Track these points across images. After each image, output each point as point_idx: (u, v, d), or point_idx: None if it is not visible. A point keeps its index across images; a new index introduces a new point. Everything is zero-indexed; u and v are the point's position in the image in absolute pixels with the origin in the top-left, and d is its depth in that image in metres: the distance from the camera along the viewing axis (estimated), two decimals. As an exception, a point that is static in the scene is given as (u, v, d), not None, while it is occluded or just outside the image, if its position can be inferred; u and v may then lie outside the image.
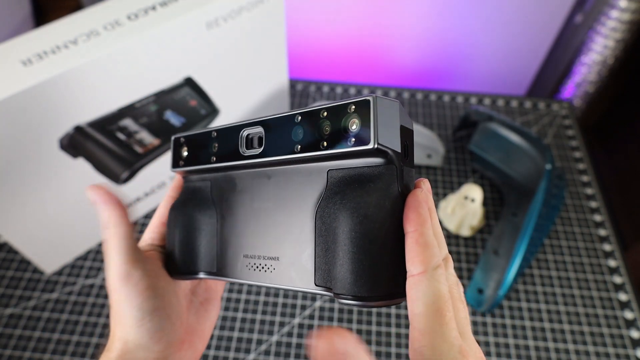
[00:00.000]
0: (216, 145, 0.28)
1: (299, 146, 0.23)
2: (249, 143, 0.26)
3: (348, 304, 0.21)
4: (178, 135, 0.31)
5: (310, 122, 0.23)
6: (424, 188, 0.22)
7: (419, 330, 0.19)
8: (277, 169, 0.25)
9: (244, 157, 0.26)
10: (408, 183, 0.22)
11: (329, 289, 0.22)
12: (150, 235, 0.30)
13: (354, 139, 0.21)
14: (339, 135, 0.21)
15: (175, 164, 0.31)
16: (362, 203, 0.21)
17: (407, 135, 0.22)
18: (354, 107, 0.21)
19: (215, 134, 0.28)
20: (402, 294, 0.21)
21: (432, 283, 0.19)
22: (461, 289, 0.23)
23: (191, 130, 0.30)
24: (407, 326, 0.52)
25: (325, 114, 0.22)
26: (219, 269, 0.28)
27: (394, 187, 0.21)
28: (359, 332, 0.52)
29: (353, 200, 0.21)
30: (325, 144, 0.22)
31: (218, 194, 0.29)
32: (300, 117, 0.23)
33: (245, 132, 0.26)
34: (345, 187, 0.22)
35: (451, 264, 0.23)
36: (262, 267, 0.25)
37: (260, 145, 0.25)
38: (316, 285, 0.22)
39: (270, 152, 0.25)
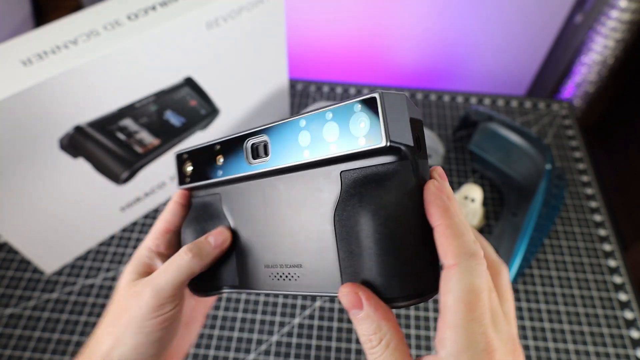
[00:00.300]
0: (221, 158, 0.27)
1: (307, 151, 0.22)
2: (255, 152, 0.25)
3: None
4: (180, 151, 0.30)
5: (316, 125, 0.22)
6: (437, 177, 0.21)
7: (445, 322, 0.19)
8: (288, 175, 0.25)
9: (251, 168, 0.25)
10: (424, 175, 0.22)
11: None
12: (154, 242, 0.29)
13: (364, 139, 0.20)
14: (348, 136, 0.21)
15: (181, 181, 0.30)
16: (382, 203, 0.20)
17: (417, 127, 0.22)
18: (360, 106, 0.20)
19: (218, 146, 0.27)
20: (434, 290, 0.20)
21: (464, 276, 0.19)
22: (506, 276, 0.22)
23: (193, 145, 0.30)
24: (406, 326, 0.52)
25: (331, 115, 0.21)
26: (242, 282, 0.28)
27: (412, 182, 0.20)
28: (359, 332, 0.52)
29: (372, 202, 0.20)
30: (334, 146, 0.21)
31: (229, 207, 0.28)
32: (305, 122, 0.23)
33: (249, 142, 0.26)
34: (361, 187, 0.21)
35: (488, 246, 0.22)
36: (286, 276, 0.25)
37: (266, 153, 0.25)
38: None
39: (279, 159, 0.24)
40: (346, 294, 0.20)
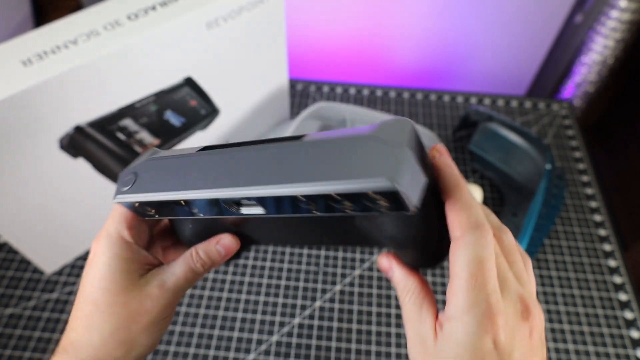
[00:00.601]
0: (194, 210, 0.24)
1: (316, 212, 0.21)
2: (243, 206, 0.23)
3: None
4: (126, 199, 0.25)
5: (321, 202, 0.20)
6: (436, 154, 0.23)
7: (451, 288, 0.21)
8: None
9: (241, 214, 0.23)
10: (435, 187, 0.22)
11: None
12: (131, 234, 0.27)
13: (385, 207, 0.19)
14: (365, 206, 0.19)
15: (141, 214, 0.26)
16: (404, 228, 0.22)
17: (426, 161, 0.21)
18: (376, 196, 0.18)
19: (184, 203, 0.24)
20: (444, 257, 0.23)
21: (469, 247, 0.20)
22: (510, 239, 0.23)
23: (146, 190, 0.24)
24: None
25: (339, 197, 0.19)
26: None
27: (432, 209, 0.22)
28: (358, 332, 0.52)
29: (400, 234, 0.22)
30: (348, 211, 0.20)
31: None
32: (305, 199, 0.20)
33: (230, 204, 0.23)
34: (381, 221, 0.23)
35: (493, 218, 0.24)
36: None
37: (258, 206, 0.22)
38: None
39: (275, 213, 0.22)
40: (382, 261, 0.26)
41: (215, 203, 0.23)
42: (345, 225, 0.24)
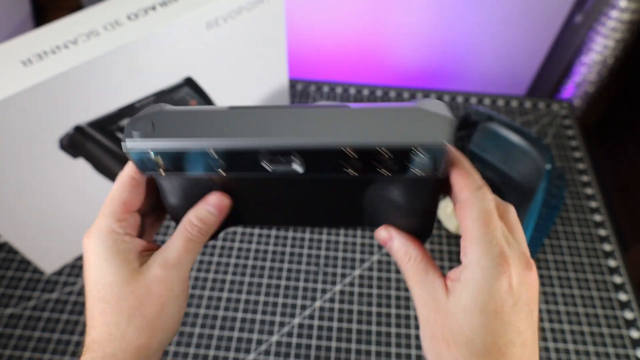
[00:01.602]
0: (219, 163, 0.23)
1: (352, 171, 0.22)
2: (276, 161, 0.22)
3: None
4: (142, 146, 0.23)
5: (366, 158, 0.22)
6: None
7: (466, 239, 0.23)
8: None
9: (274, 172, 0.23)
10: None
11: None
12: (121, 225, 0.26)
13: (420, 167, 0.22)
14: (402, 166, 0.22)
15: (147, 168, 0.24)
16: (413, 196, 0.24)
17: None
18: (422, 154, 0.21)
19: (213, 153, 0.22)
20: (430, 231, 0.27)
21: (477, 201, 0.23)
22: (513, 213, 0.26)
23: (171, 136, 0.22)
24: (407, 326, 0.52)
25: (387, 153, 0.21)
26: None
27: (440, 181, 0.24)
28: (358, 332, 0.52)
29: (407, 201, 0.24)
30: (384, 171, 0.22)
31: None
32: (353, 154, 0.21)
33: (266, 158, 0.22)
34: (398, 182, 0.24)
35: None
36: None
37: (296, 162, 0.22)
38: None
39: (313, 171, 0.22)
40: (380, 233, 0.27)
41: (251, 155, 0.22)
42: (355, 198, 0.25)
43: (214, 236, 0.28)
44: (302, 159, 0.22)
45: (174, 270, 0.26)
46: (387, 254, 0.58)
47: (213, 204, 0.26)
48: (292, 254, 0.58)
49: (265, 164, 0.22)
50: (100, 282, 0.25)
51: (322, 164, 0.22)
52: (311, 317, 0.53)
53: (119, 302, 0.25)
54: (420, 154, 0.21)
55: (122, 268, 0.25)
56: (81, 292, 0.55)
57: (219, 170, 0.23)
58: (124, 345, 0.25)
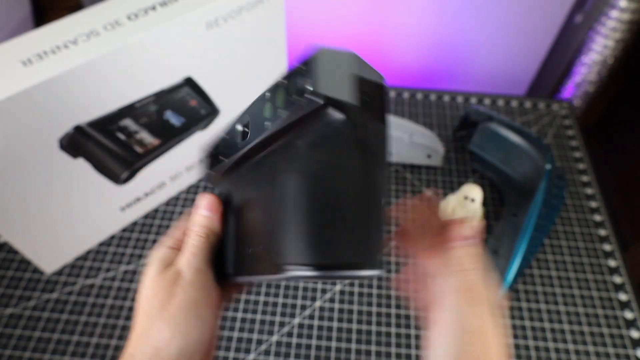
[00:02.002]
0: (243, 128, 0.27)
1: (268, 123, 0.22)
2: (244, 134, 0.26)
3: (304, 275, 0.20)
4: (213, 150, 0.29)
5: (275, 93, 0.22)
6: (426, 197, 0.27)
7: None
8: (265, 157, 0.24)
9: (239, 148, 0.25)
10: (373, 138, 0.21)
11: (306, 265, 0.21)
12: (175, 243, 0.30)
13: (308, 100, 0.19)
14: (299, 101, 0.20)
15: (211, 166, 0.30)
16: (317, 167, 0.20)
17: (369, 88, 0.20)
18: (304, 66, 0.20)
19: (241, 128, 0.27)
20: (368, 265, 0.20)
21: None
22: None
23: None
24: (407, 326, 0.52)
25: (285, 81, 0.21)
26: (236, 270, 0.28)
27: (349, 143, 0.20)
28: (358, 332, 0.52)
29: (310, 166, 0.20)
30: (285, 111, 0.20)
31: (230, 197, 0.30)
32: (268, 93, 0.23)
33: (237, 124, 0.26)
34: (306, 153, 0.21)
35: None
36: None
37: (246, 133, 0.25)
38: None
39: (252, 136, 0.24)
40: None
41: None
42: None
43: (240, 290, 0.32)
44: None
45: (190, 271, 0.27)
46: (387, 254, 0.58)
47: (203, 207, 0.30)
48: (292, 254, 0.58)
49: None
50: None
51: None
52: (311, 317, 0.53)
53: (147, 303, 0.27)
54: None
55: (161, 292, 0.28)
56: (81, 292, 0.55)
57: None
58: (143, 345, 0.26)
